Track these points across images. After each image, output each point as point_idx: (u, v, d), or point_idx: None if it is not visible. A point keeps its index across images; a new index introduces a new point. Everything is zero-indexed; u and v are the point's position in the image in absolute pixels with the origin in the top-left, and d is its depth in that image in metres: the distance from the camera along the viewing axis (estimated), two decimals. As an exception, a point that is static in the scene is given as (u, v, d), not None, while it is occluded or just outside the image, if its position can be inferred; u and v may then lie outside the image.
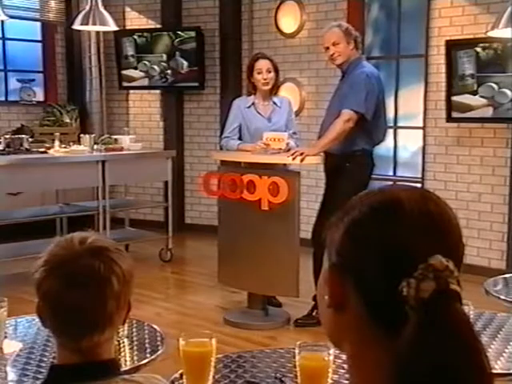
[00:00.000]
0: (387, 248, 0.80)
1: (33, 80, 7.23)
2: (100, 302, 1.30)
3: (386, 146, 6.18)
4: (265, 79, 4.39)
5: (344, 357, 2.09)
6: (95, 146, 5.63)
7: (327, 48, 4.23)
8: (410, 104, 6.02)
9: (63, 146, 5.55)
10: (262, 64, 4.40)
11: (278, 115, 4.53)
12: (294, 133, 4.59)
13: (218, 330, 4.00)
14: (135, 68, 7.06)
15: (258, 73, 4.39)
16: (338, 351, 1.92)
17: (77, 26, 5.79)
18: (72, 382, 1.30)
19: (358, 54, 4.30)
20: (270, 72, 4.39)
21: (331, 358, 1.86)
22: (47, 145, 5.57)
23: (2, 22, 6.62)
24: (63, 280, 1.29)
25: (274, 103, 4.53)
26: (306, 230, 5.38)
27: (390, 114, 6.07)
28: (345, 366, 2.06)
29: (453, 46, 5.22)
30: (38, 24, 7.38)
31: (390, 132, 6.14)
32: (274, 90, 4.51)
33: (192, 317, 4.50)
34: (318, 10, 6.19)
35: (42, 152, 5.40)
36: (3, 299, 2.17)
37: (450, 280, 0.76)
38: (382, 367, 0.78)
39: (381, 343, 0.81)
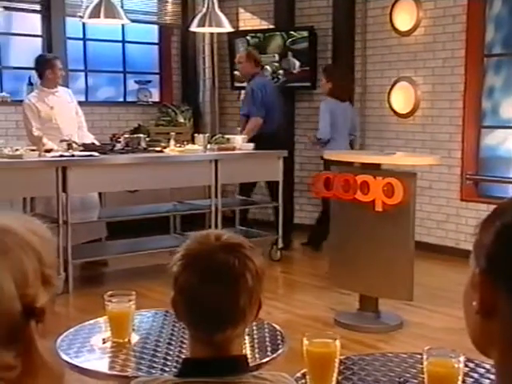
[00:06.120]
0: None
1: (149, 81, 7.47)
2: (234, 297, 1.33)
3: (506, 147, 5.93)
4: None
5: (471, 364, 2.03)
6: (208, 146, 5.72)
7: None
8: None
9: (177, 145, 5.69)
10: None
11: None
12: None
13: (329, 331, 3.95)
14: (248, 68, 7.12)
15: None
16: (465, 358, 1.86)
17: (194, 28, 5.92)
18: (203, 376, 1.33)
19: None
20: None
21: (461, 365, 1.80)
22: (163, 144, 5.71)
23: (123, 25, 6.87)
24: (199, 274, 1.33)
25: None
26: (419, 233, 5.27)
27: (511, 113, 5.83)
28: (473, 374, 1.99)
29: None
30: (156, 27, 7.62)
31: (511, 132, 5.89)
32: None
33: (302, 317, 4.47)
34: (435, 7, 5.99)
35: (158, 151, 5.55)
36: (131, 293, 2.22)
37: None
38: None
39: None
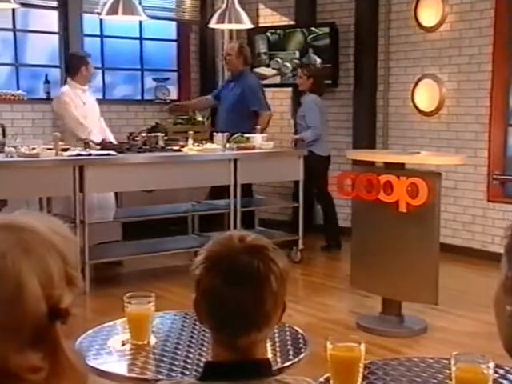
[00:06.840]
0: None
1: (167, 79, 7.40)
2: (259, 300, 1.31)
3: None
4: None
5: (501, 371, 1.93)
6: (227, 145, 5.64)
7: None
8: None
9: (196, 144, 5.61)
10: None
11: None
12: None
13: (351, 334, 3.85)
14: (267, 65, 7.06)
15: None
16: (495, 364, 1.77)
17: (213, 24, 5.87)
18: (226, 380, 1.31)
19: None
20: None
21: (490, 371, 1.73)
22: (181, 143, 5.64)
23: (141, 22, 6.82)
24: (223, 277, 1.30)
25: None
26: (444, 235, 5.16)
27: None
28: (503, 381, 1.91)
29: None
30: (174, 23, 7.56)
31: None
32: None
33: (323, 320, 4.40)
34: (462, 2, 5.86)
35: (176, 150, 5.48)
36: (150, 294, 2.20)
37: None
38: None
39: None
